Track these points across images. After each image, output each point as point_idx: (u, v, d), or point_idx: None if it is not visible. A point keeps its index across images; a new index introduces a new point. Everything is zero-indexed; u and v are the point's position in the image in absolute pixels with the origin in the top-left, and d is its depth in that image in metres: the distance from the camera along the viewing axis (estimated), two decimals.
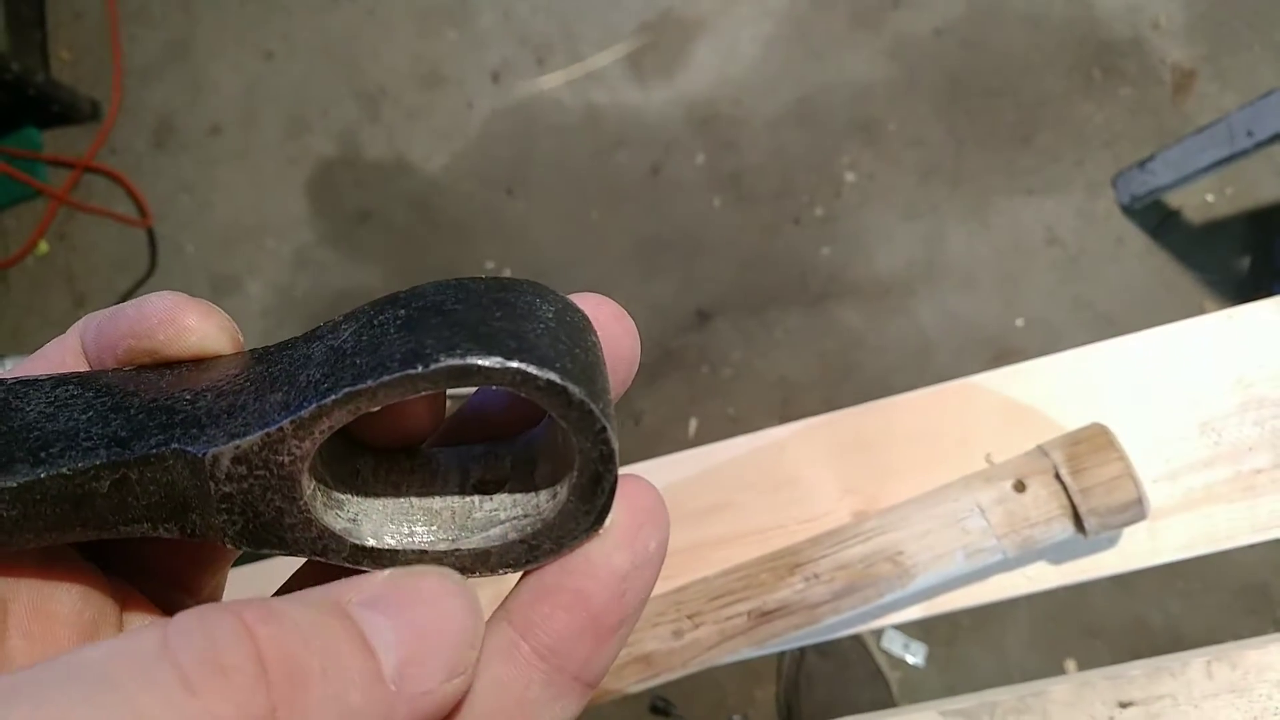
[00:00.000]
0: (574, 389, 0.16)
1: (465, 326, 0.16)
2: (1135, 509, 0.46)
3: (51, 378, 0.18)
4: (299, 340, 0.18)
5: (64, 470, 0.16)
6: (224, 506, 0.17)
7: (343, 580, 0.15)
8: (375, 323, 0.17)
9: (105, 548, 0.19)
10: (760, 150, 1.40)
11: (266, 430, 0.16)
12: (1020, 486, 0.47)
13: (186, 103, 1.55)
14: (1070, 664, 1.15)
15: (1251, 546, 0.49)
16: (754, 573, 0.47)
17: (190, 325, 0.18)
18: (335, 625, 0.14)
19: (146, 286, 1.46)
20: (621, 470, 0.17)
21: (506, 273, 1.40)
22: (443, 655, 0.15)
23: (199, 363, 0.19)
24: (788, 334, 1.31)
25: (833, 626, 0.47)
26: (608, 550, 0.17)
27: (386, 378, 0.15)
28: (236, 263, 1.46)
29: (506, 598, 0.18)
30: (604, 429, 0.16)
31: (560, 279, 1.39)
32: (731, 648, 0.46)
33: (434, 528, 0.18)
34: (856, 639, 1.13)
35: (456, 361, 0.15)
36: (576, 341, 0.17)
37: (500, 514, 0.18)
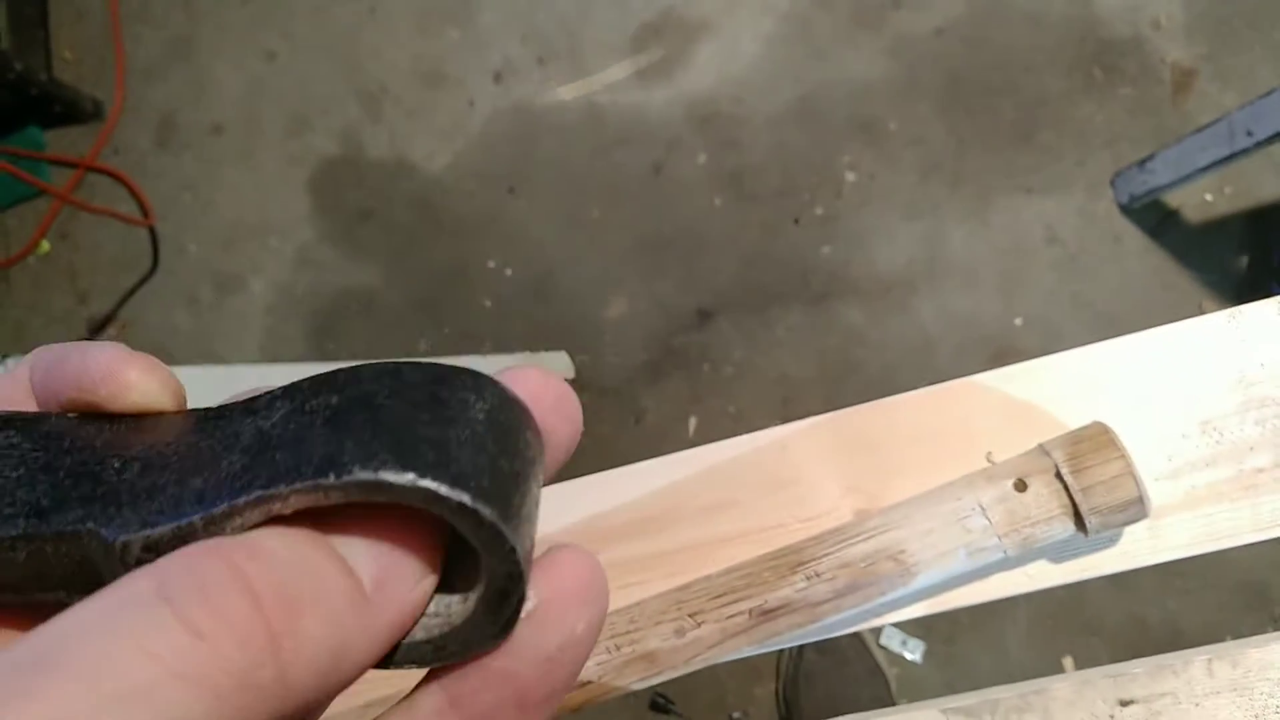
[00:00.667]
0: (485, 510, 0.15)
1: (388, 431, 0.16)
2: (1136, 508, 0.46)
3: (2, 415, 0.18)
4: (237, 410, 0.18)
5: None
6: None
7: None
8: (306, 408, 0.17)
9: None
10: (761, 149, 1.40)
11: (178, 524, 0.16)
12: (1021, 485, 0.47)
13: (189, 102, 1.56)
14: (1068, 661, 1.15)
15: (1250, 544, 0.50)
16: (756, 571, 0.47)
17: (131, 381, 0.18)
18: (315, 551, 0.15)
19: (149, 286, 1.46)
20: (590, 482, 0.17)
21: (508, 272, 1.40)
22: (410, 561, 0.16)
23: (139, 419, 0.19)
24: (789, 332, 1.31)
25: (835, 625, 0.48)
26: (533, 631, 0.17)
27: (299, 484, 0.15)
28: (239, 261, 1.46)
29: None
30: (513, 550, 0.16)
31: (562, 278, 1.39)
32: (733, 646, 0.46)
33: None
34: (855, 636, 1.14)
35: (368, 476, 0.15)
36: (504, 448, 0.17)
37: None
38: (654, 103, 1.44)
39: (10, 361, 0.90)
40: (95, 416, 0.19)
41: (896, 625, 1.17)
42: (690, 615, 0.46)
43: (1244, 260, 1.29)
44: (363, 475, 0.15)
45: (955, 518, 0.47)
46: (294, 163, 1.50)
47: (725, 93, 1.43)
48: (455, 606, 0.18)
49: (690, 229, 1.38)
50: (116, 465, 0.17)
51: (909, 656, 1.16)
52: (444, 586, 0.18)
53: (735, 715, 1.16)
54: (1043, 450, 0.48)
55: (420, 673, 0.18)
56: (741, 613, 0.46)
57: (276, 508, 0.16)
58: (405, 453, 0.15)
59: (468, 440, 0.16)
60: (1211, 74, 1.33)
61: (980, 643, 1.17)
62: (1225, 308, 0.53)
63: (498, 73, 1.50)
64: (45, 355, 0.19)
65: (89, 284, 1.48)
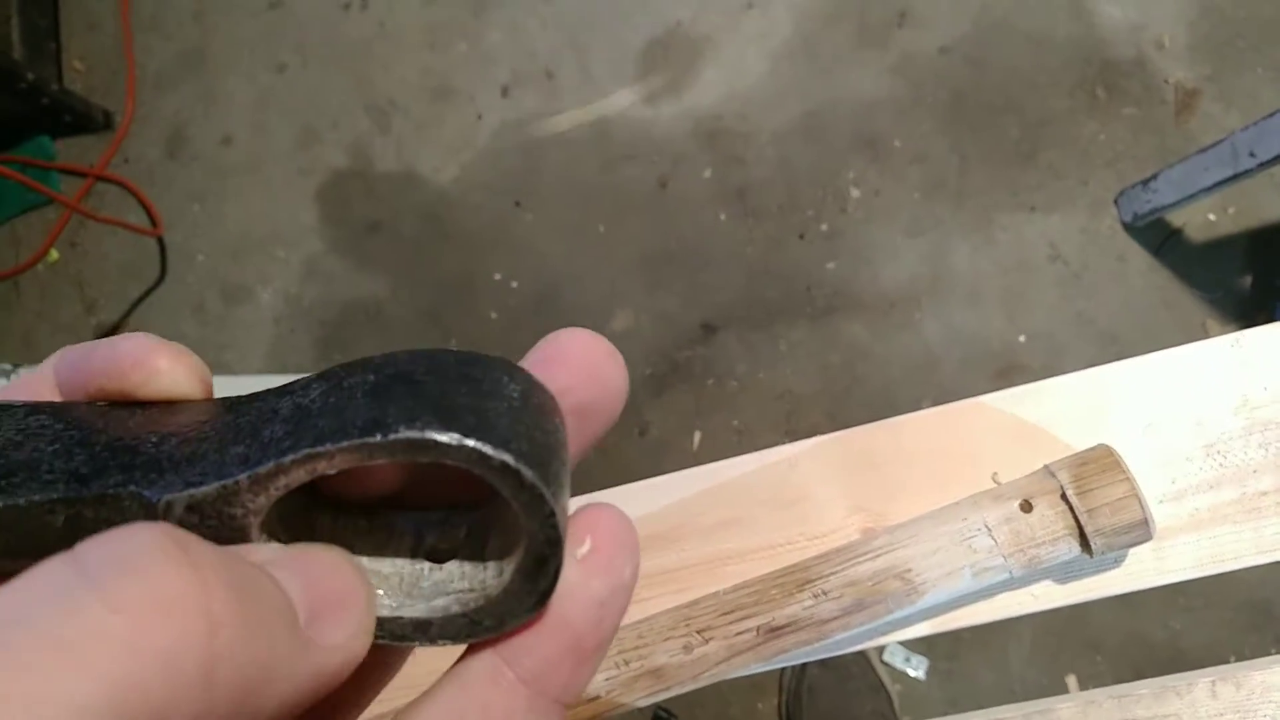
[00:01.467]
0: (527, 472, 0.16)
1: (429, 399, 0.16)
2: (1141, 530, 0.46)
3: (26, 405, 0.18)
4: (270, 394, 0.18)
5: (20, 501, 0.16)
6: None
7: (236, 546, 0.16)
8: (344, 385, 0.17)
9: None
10: (766, 165, 1.41)
11: (223, 483, 0.16)
12: (1027, 506, 0.47)
13: (199, 113, 1.57)
14: (1072, 679, 1.15)
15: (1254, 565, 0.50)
16: (763, 589, 0.47)
17: (162, 368, 0.18)
18: (251, 567, 0.14)
19: (157, 295, 1.47)
20: (600, 497, 0.18)
21: (514, 285, 1.41)
22: (347, 610, 0.15)
23: (169, 405, 0.19)
24: (793, 347, 1.32)
25: (841, 643, 0.48)
26: (586, 577, 0.17)
27: (345, 443, 0.16)
28: (247, 272, 1.47)
29: None
30: (552, 514, 0.16)
31: (568, 292, 1.40)
32: (741, 663, 0.47)
33: (380, 591, 0.18)
34: (859, 652, 1.14)
35: (414, 434, 0.15)
36: (538, 424, 0.17)
37: (448, 584, 0.18)
38: (660, 118, 1.45)
39: (22, 370, 0.90)
40: (125, 404, 0.19)
41: (900, 642, 1.17)
42: (698, 632, 0.47)
43: (1247, 280, 1.29)
44: (409, 434, 0.15)
45: (961, 537, 0.47)
46: (303, 174, 1.51)
47: (731, 109, 1.44)
48: (490, 580, 0.18)
49: (695, 244, 1.39)
50: (154, 439, 0.18)
51: (912, 673, 1.16)
52: (477, 559, 0.19)
53: None
54: (1048, 471, 0.48)
55: (458, 649, 0.18)
56: (749, 630, 0.47)
57: (322, 466, 0.16)
58: (448, 417, 0.16)
59: (505, 412, 0.17)
60: (1214, 94, 1.34)
61: (984, 660, 1.17)
62: (1229, 327, 0.54)
63: (505, 87, 1.51)
64: (71, 351, 0.19)
65: (97, 293, 1.49)
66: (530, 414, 0.17)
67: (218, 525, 0.16)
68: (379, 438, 0.15)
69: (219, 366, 1.40)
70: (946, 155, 1.38)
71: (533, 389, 0.18)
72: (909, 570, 0.47)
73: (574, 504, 0.18)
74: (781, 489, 0.53)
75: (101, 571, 0.12)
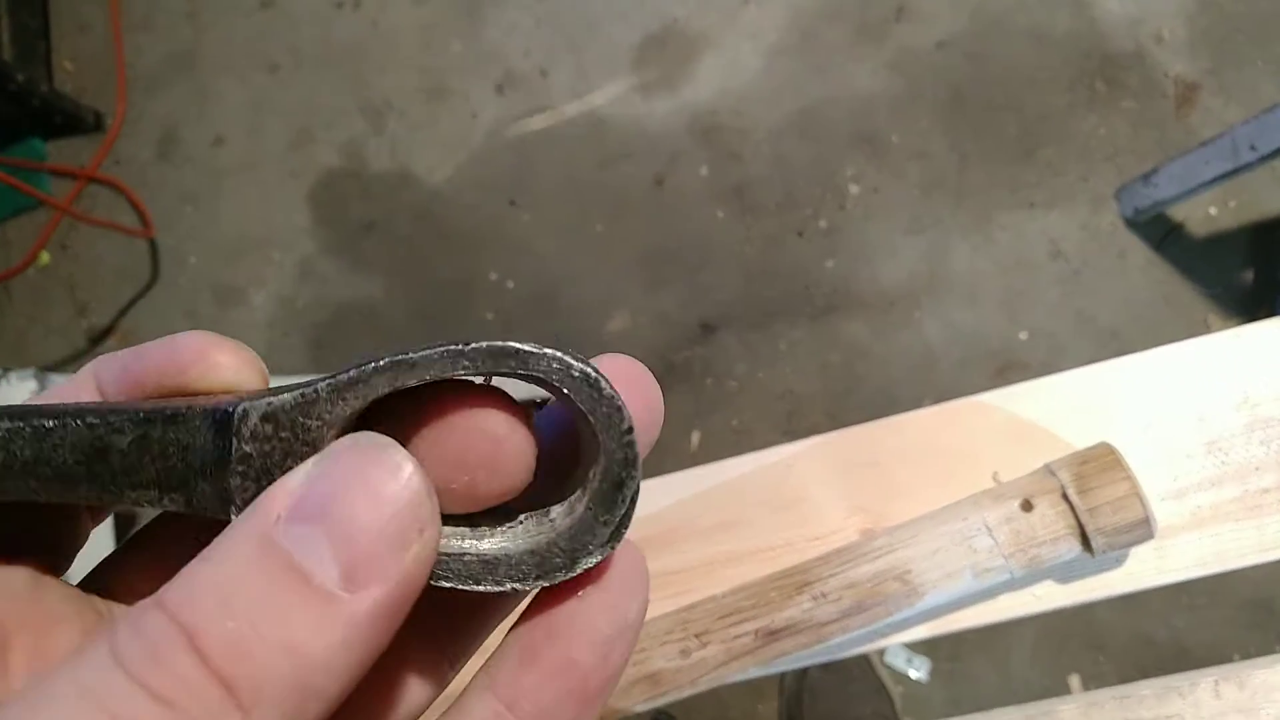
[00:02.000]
0: (606, 383, 0.16)
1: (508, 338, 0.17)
2: (1142, 528, 0.45)
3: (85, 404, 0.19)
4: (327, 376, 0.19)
5: (90, 420, 0.16)
6: (240, 469, 0.16)
7: (269, 492, 0.15)
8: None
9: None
10: (764, 162, 1.40)
11: (303, 391, 0.16)
12: (1027, 506, 0.46)
13: (191, 114, 1.56)
14: (1074, 679, 1.14)
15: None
16: (762, 591, 0.46)
17: (223, 362, 0.19)
18: (258, 571, 0.14)
19: (149, 297, 1.46)
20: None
21: (510, 285, 1.40)
22: (387, 535, 0.14)
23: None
24: (792, 346, 1.31)
25: (841, 645, 0.47)
26: (591, 614, 0.17)
27: (428, 351, 0.16)
28: (240, 274, 1.46)
29: (488, 662, 0.18)
30: (630, 429, 0.16)
31: (564, 291, 1.39)
32: (739, 667, 0.46)
33: (444, 539, 0.18)
34: (860, 654, 1.13)
35: (496, 344, 0.16)
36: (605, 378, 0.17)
37: (514, 532, 0.18)
38: (656, 115, 1.44)
39: (12, 375, 0.90)
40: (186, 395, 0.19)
41: (902, 643, 1.16)
42: (696, 635, 0.46)
43: (1249, 274, 1.28)
44: (493, 343, 0.16)
45: (962, 538, 0.46)
46: (296, 175, 1.50)
47: (727, 105, 1.44)
48: (560, 517, 0.17)
49: (693, 242, 1.38)
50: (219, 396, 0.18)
51: (914, 674, 1.15)
52: (541, 516, 0.18)
53: None
54: (1049, 470, 0.47)
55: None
56: (747, 633, 0.46)
57: (404, 375, 0.16)
58: (529, 340, 0.16)
59: (578, 354, 0.17)
60: (1215, 88, 1.33)
61: (986, 661, 1.16)
62: (1231, 322, 0.53)
63: (500, 85, 1.50)
64: (118, 356, 0.19)
65: (89, 295, 1.48)
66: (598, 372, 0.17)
67: (291, 439, 0.16)
68: (461, 345, 0.16)
69: None
70: (945, 152, 1.37)
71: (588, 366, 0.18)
72: (909, 571, 0.46)
73: None
74: (780, 490, 0.52)
75: (134, 658, 0.13)
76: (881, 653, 1.15)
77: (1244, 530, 0.49)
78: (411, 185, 1.47)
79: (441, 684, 0.19)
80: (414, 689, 0.19)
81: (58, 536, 0.19)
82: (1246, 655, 1.09)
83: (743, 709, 1.16)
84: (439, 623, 0.20)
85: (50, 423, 0.16)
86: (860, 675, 1.11)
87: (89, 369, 0.20)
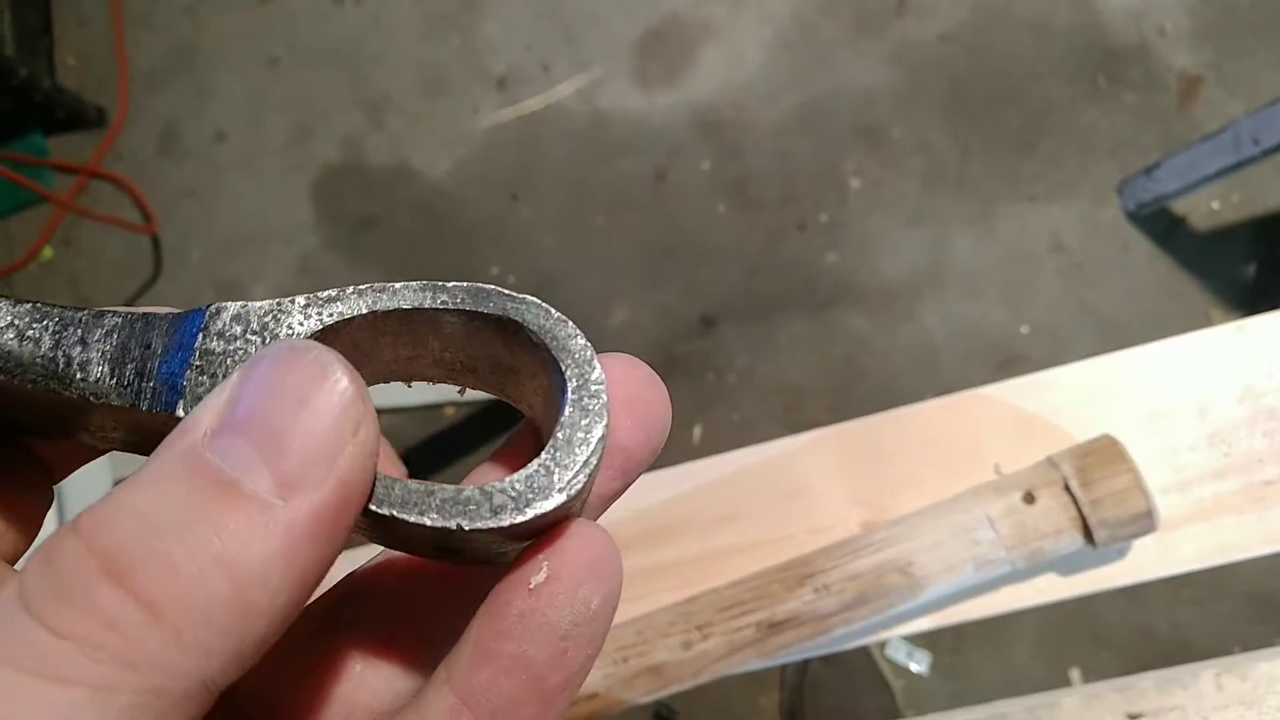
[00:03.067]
0: (581, 334, 0.17)
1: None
2: (1145, 521, 0.46)
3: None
4: None
5: (65, 308, 0.16)
6: (199, 364, 0.16)
7: (194, 412, 0.14)
8: None
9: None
10: (765, 156, 1.40)
11: (279, 300, 0.16)
12: (1030, 498, 0.46)
13: (192, 109, 1.56)
14: (1075, 673, 1.14)
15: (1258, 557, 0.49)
16: (764, 584, 0.46)
17: None
18: (186, 485, 0.13)
19: (151, 292, 1.46)
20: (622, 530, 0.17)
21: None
22: (319, 437, 0.13)
23: None
24: (793, 340, 1.31)
25: (842, 638, 0.47)
26: (543, 607, 0.15)
27: (409, 282, 0.16)
28: (241, 269, 1.46)
29: (449, 656, 0.17)
30: (601, 381, 0.16)
31: (565, 286, 1.39)
32: (741, 659, 0.46)
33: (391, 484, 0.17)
34: (861, 647, 1.13)
35: (477, 283, 0.17)
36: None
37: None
38: (657, 109, 1.44)
39: None
40: None
41: (903, 637, 1.16)
42: (698, 628, 0.46)
43: (1251, 268, 1.28)
44: (475, 283, 0.17)
45: (963, 530, 0.46)
46: (297, 170, 1.50)
47: (728, 99, 1.43)
48: (535, 463, 0.16)
49: (694, 236, 1.38)
50: None
51: (915, 668, 1.15)
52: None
53: None
54: (1051, 463, 0.47)
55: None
56: (749, 625, 0.46)
57: (381, 301, 0.16)
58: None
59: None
60: (1217, 81, 1.33)
61: (987, 654, 1.16)
62: (1233, 316, 0.53)
63: (501, 80, 1.50)
64: None
65: (91, 291, 1.48)
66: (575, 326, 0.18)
67: (258, 344, 0.16)
68: (443, 281, 0.16)
69: None
70: (947, 145, 1.37)
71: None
72: (911, 564, 0.46)
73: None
74: (781, 483, 0.52)
75: (39, 595, 0.12)
76: (883, 646, 1.15)
77: (1247, 522, 0.49)
78: (412, 180, 1.47)
79: (423, 674, 0.19)
80: (391, 680, 0.18)
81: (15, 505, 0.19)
82: (1248, 648, 1.09)
83: (744, 702, 1.17)
84: (420, 611, 0.19)
85: (23, 307, 0.16)
86: (861, 668, 1.11)
87: None
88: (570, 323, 0.16)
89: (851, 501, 0.51)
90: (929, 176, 1.36)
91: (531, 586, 0.16)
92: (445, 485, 0.16)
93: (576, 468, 0.16)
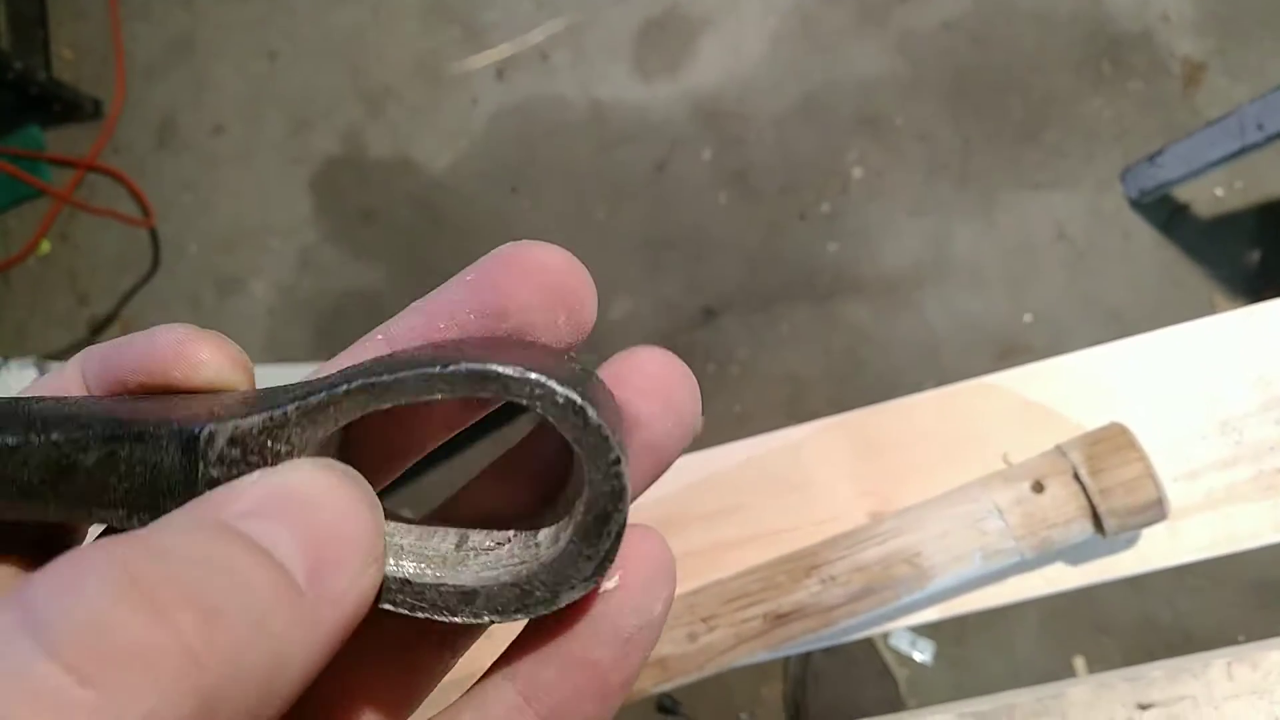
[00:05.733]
0: (592, 411, 0.15)
1: (492, 350, 0.16)
2: (1155, 509, 0.45)
3: (65, 398, 0.18)
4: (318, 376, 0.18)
5: (54, 437, 0.16)
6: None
7: (210, 495, 0.14)
8: (401, 353, 0.17)
9: None
10: (767, 146, 1.39)
11: (270, 413, 0.15)
12: (1039, 487, 0.46)
13: (189, 102, 1.55)
14: (1079, 661, 1.14)
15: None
16: (769, 575, 0.46)
17: (204, 358, 0.18)
18: (227, 545, 0.12)
19: (149, 286, 1.45)
20: (632, 520, 0.16)
21: None
22: (349, 547, 0.14)
23: (214, 393, 0.18)
24: (795, 330, 1.31)
25: (849, 629, 0.47)
26: (612, 612, 0.16)
27: (403, 373, 0.15)
28: (240, 263, 1.45)
29: (507, 651, 0.17)
30: (618, 460, 0.15)
31: None
32: (747, 650, 0.45)
33: (422, 564, 0.17)
34: (864, 637, 1.13)
35: (475, 366, 0.15)
36: (601, 389, 0.17)
37: (498, 560, 0.17)
38: (658, 100, 1.43)
39: (12, 364, 0.89)
40: (167, 393, 0.18)
41: (906, 627, 1.16)
42: (703, 620, 0.46)
43: (1256, 255, 1.27)
44: (470, 365, 0.15)
45: (971, 520, 0.46)
46: (295, 163, 1.49)
47: (730, 89, 1.42)
48: (545, 547, 0.17)
49: (695, 227, 1.37)
50: (197, 402, 0.17)
51: (918, 658, 1.15)
52: (529, 543, 0.17)
53: (743, 716, 1.16)
54: (1060, 451, 0.47)
55: (508, 630, 0.17)
56: (755, 617, 0.45)
57: (376, 399, 0.15)
58: (512, 360, 0.15)
59: (568, 368, 0.16)
60: (1221, 68, 1.32)
61: (990, 643, 1.16)
62: (1237, 303, 0.53)
63: (501, 70, 1.49)
64: (101, 348, 0.18)
65: (89, 285, 1.48)
66: (594, 381, 0.17)
67: (259, 462, 0.16)
68: (438, 369, 0.15)
69: None
70: (949, 134, 1.36)
71: (594, 374, 0.17)
72: (918, 555, 0.45)
73: None
74: (785, 474, 0.52)
75: (58, 627, 0.10)
76: (886, 636, 1.15)
77: (1259, 510, 0.48)
78: (412, 173, 1.46)
79: (411, 704, 0.19)
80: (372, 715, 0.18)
81: (46, 534, 0.19)
82: (1253, 637, 1.09)
83: (747, 693, 1.16)
84: (407, 646, 0.19)
85: (12, 440, 0.16)
86: (864, 659, 1.11)
87: (76, 361, 0.19)
88: (577, 401, 0.15)
89: (857, 492, 0.51)
90: (931, 166, 1.35)
91: (606, 591, 0.16)
92: (472, 580, 0.16)
93: (601, 557, 0.16)
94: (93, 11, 1.60)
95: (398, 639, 0.18)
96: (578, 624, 0.16)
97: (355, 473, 0.15)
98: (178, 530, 0.13)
